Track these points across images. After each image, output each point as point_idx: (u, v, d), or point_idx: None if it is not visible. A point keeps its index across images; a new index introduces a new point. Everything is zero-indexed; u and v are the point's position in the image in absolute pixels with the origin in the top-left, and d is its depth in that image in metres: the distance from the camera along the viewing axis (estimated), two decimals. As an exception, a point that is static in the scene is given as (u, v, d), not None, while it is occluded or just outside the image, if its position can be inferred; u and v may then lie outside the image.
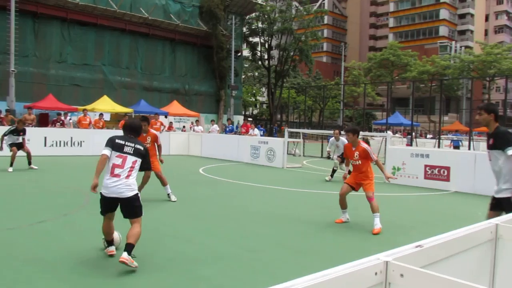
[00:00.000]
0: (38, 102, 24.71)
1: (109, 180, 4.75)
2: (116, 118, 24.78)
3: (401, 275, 1.55)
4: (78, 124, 20.34)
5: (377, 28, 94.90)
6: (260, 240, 6.09)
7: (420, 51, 61.63)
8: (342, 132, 12.80)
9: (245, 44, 48.44)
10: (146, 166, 5.14)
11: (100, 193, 4.82)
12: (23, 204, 7.97)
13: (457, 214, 8.97)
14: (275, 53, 54.62)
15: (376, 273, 1.56)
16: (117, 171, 4.77)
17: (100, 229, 5.01)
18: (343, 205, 7.34)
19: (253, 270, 4.84)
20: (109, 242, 5.02)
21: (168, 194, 8.75)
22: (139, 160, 4.93)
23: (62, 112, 23.18)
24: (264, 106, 68.77)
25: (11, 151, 12.72)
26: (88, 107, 24.16)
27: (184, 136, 22.20)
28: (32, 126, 18.70)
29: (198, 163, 17.29)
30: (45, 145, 17.46)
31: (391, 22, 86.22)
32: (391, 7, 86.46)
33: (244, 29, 45.71)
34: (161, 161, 8.81)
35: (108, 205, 4.84)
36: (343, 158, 13.11)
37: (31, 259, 4.82)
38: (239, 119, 38.26)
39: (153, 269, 4.64)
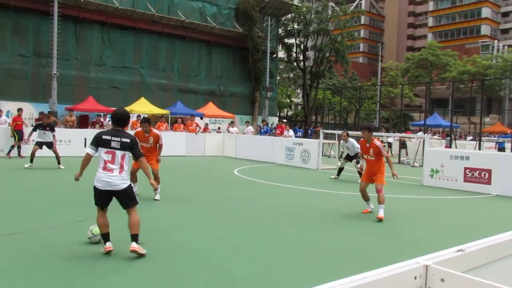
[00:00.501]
0: (79, 104, 25.47)
1: (102, 174, 4.91)
2: (153, 120, 25.20)
3: (442, 280, 1.49)
4: (116, 125, 20.78)
5: (416, 28, 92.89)
6: (294, 241, 6.05)
7: (460, 51, 59.89)
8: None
9: (280, 45, 48.39)
10: (137, 155, 5.17)
11: (94, 186, 4.97)
12: (64, 203, 8.23)
13: (499, 218, 8.64)
14: (310, 54, 54.31)
15: (415, 277, 1.52)
16: (109, 166, 4.92)
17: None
18: (365, 197, 8.09)
19: (287, 271, 4.81)
20: (105, 236, 5.02)
21: (155, 192, 8.58)
22: (127, 153, 5.06)
23: (102, 114, 23.79)
24: (299, 107, 68.51)
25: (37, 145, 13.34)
26: (126, 109, 24.69)
27: (219, 137, 22.38)
28: (73, 127, 19.37)
29: (233, 164, 17.39)
30: (85, 146, 17.90)
31: (430, 21, 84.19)
32: (431, 6, 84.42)
33: (280, 31, 45.67)
34: (158, 161, 8.86)
35: (103, 198, 4.99)
36: (350, 159, 13.18)
37: (71, 257, 4.95)
38: (273, 120, 38.27)
39: (187, 268, 4.68)
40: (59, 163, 13.51)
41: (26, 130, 16.21)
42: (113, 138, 5.00)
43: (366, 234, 6.66)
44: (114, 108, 23.75)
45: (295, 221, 7.43)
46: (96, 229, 5.33)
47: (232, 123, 25.41)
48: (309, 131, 38.29)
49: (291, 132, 21.83)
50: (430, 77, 55.28)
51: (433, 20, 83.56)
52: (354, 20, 58.11)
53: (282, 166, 17.31)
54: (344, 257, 5.41)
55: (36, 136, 13.73)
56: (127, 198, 5.03)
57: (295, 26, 48.73)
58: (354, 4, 78.05)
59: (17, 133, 15.79)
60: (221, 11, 35.56)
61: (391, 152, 24.65)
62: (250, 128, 24.53)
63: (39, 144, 13.36)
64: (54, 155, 13.55)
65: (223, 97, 36.00)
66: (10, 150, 15.79)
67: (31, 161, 13.25)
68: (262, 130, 23.75)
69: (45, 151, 13.61)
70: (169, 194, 9.48)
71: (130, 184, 5.10)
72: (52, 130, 13.61)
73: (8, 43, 26.19)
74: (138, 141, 5.30)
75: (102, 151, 4.98)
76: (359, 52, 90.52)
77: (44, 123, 13.53)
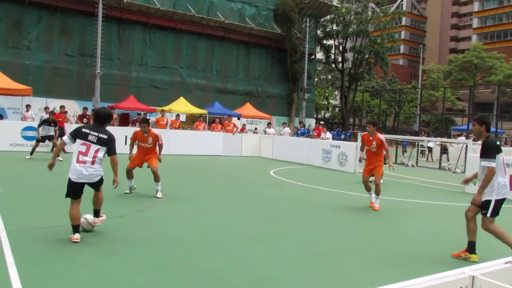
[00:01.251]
0: (120, 103, 26.11)
1: (75, 166, 5.24)
2: (191, 119, 25.59)
3: (490, 292, 1.45)
4: (156, 124, 21.19)
5: (459, 29, 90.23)
6: (329, 245, 5.99)
7: (507, 53, 57.66)
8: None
9: (318, 46, 48.07)
10: (111, 152, 5.51)
11: (69, 178, 5.29)
12: (104, 199, 8.43)
13: (547, 229, 8.26)
14: (349, 55, 53.69)
15: (461, 288, 1.47)
16: (82, 158, 5.27)
17: (174, 225, 5.16)
18: (368, 189, 8.88)
19: (323, 275, 4.77)
20: (75, 227, 5.25)
21: (157, 190, 8.71)
22: (102, 148, 5.37)
23: (142, 113, 24.31)
24: (337, 109, 67.84)
25: (37, 140, 14.57)
26: (165, 108, 25.17)
27: (256, 138, 22.45)
28: (114, 125, 19.90)
29: (269, 165, 17.40)
30: (125, 144, 18.33)
31: (475, 22, 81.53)
32: (476, 6, 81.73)
33: (318, 32, 45.35)
34: (159, 160, 8.92)
35: (77, 189, 5.32)
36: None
37: (110, 251, 5.09)
38: (311, 122, 38.04)
39: (223, 268, 4.72)
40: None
41: (70, 126, 16.79)
42: (91, 132, 5.38)
43: (404, 240, 6.52)
44: (154, 107, 24.24)
45: (331, 224, 7.36)
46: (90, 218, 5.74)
47: (269, 124, 25.45)
48: (349, 134, 37.75)
49: (328, 134, 21.63)
50: (474, 80, 53.58)
51: (478, 21, 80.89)
52: (394, 21, 57.05)
53: (318, 169, 17.19)
54: (382, 263, 5.32)
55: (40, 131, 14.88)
56: (96, 186, 5.56)
57: (334, 27, 48.30)
58: (395, 5, 76.67)
59: (59, 129, 16.31)
60: (260, 12, 35.67)
61: (432, 157, 24.02)
62: (287, 129, 24.50)
63: (43, 139, 14.69)
64: (71, 150, 14.23)
65: (261, 98, 36.10)
66: (53, 147, 16.37)
67: (31, 153, 14.41)
68: (299, 132, 23.65)
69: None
70: (207, 193, 9.59)
71: (102, 176, 5.50)
72: (55, 125, 15.04)
73: (55, 43, 27.22)
74: (115, 140, 5.58)
75: (78, 142, 5.34)
76: (400, 54, 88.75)
77: (50, 120, 14.88)
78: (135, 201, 8.24)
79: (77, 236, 5.22)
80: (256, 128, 30.90)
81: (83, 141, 5.33)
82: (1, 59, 24.08)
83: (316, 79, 51.57)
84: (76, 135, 5.40)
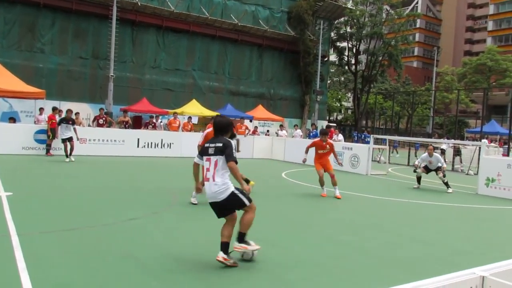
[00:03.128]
0: (133, 105, 26.31)
1: (205, 186, 4.81)
2: (203, 122, 25.69)
3: (500, 292, 1.45)
4: (168, 127, 21.34)
5: (474, 32, 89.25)
6: (342, 247, 5.98)
7: (522, 56, 56.91)
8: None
9: (332, 49, 47.95)
10: (227, 158, 4.72)
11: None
12: (117, 201, 8.52)
13: None
14: (362, 57, 53.47)
15: (471, 288, 1.48)
16: (207, 174, 4.77)
17: (188, 228, 5.17)
18: (322, 183, 10.67)
19: (336, 277, 4.77)
20: (222, 245, 4.75)
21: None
22: (220, 157, 4.73)
23: (154, 115, 24.47)
24: (349, 111, 67.52)
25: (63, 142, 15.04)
26: (178, 110, 25.30)
27: (268, 140, 22.44)
28: (127, 128, 20.09)
29: (281, 167, 17.40)
30: (138, 146, 18.52)
31: (490, 25, 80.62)
32: (491, 9, 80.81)
33: (332, 34, 45.23)
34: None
35: (214, 209, 4.83)
36: (428, 170, 12.73)
37: (123, 255, 5.12)
38: (323, 124, 37.94)
39: (236, 270, 4.74)
40: (70, 155, 14.90)
41: (84, 130, 17.00)
42: (210, 145, 4.87)
43: (416, 242, 6.48)
44: (167, 110, 24.38)
45: (344, 226, 7.35)
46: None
47: (281, 126, 25.43)
48: (364, 136, 37.51)
49: (341, 136, 21.54)
50: (488, 82, 52.93)
51: (493, 24, 79.97)
52: (409, 23, 56.65)
53: (330, 171, 17.13)
54: (395, 265, 5.29)
55: (60, 131, 15.30)
56: (224, 209, 4.81)
57: (348, 29, 48.15)
58: (410, 7, 76.18)
59: (52, 131, 16.25)
60: (273, 14, 35.70)
61: (445, 159, 23.65)
62: (299, 131, 24.45)
63: (64, 141, 15.00)
64: (85, 152, 15.51)
65: (273, 100, 36.10)
66: (48, 150, 16.37)
67: (67, 156, 14.79)
68: (312, 134, 23.59)
69: (91, 150, 14.53)
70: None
71: (233, 192, 4.74)
72: (73, 123, 15.36)
73: (69, 46, 27.52)
74: (231, 145, 4.86)
75: (204, 159, 4.88)
76: (414, 56, 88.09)
77: (68, 117, 15.28)
78: (150, 204, 8.29)
79: (219, 254, 4.69)
80: (268, 131, 30.89)
81: (206, 157, 4.83)
82: (15, 62, 24.38)
83: (329, 81, 51.44)
84: (202, 152, 4.94)
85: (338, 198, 10.13)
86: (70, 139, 15.02)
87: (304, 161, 11.05)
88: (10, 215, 6.54)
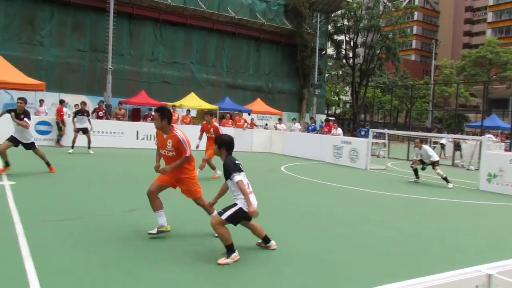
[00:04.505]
0: (131, 98, 26.26)
1: (253, 197, 4.88)
2: (202, 115, 25.64)
3: (507, 291, 1.40)
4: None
5: (473, 24, 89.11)
6: (339, 241, 5.94)
7: (523, 48, 56.85)
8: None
9: (329, 42, 47.78)
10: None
11: (242, 208, 4.77)
12: (117, 192, 8.50)
13: None
14: (360, 51, 53.33)
15: (477, 286, 1.42)
16: (250, 188, 4.92)
17: (187, 219, 5.13)
18: (213, 167, 10.92)
19: (333, 271, 4.73)
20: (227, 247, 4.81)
21: None
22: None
23: (153, 108, 24.40)
24: (348, 105, 67.47)
25: (76, 132, 15.19)
26: (176, 103, 25.22)
27: (267, 134, 22.40)
28: (122, 120, 20.10)
29: (280, 161, 17.36)
30: (137, 138, 18.52)
31: (490, 16, 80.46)
32: (491, 0, 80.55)
33: (329, 27, 45.07)
34: None
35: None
36: (423, 162, 12.93)
37: (123, 244, 5.10)
38: (321, 118, 37.89)
39: (236, 263, 4.70)
40: (89, 148, 15.07)
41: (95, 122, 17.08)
42: (237, 161, 4.93)
43: (415, 237, 6.44)
44: (165, 103, 24.28)
45: (342, 220, 7.30)
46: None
47: (280, 120, 25.38)
48: (366, 131, 37.44)
49: (339, 130, 21.49)
50: (488, 75, 52.86)
51: (493, 15, 79.82)
52: (406, 16, 56.48)
53: (329, 165, 17.10)
54: (393, 260, 5.25)
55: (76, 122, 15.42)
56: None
57: (345, 22, 47.97)
58: (407, 0, 75.87)
59: (62, 122, 16.82)
60: (270, 7, 35.55)
61: (444, 154, 23.64)
62: (298, 125, 24.41)
63: (77, 130, 15.16)
64: (85, 144, 15.28)
65: (271, 93, 36.01)
66: (59, 139, 16.78)
67: (72, 147, 14.88)
68: (310, 128, 23.56)
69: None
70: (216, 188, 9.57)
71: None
72: (88, 115, 15.52)
73: (68, 39, 27.39)
74: None
75: (243, 174, 4.85)
76: (412, 49, 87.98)
77: (82, 109, 15.45)
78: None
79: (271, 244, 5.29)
80: (266, 124, 30.83)
81: (243, 172, 4.90)
82: (15, 54, 24.28)
83: (326, 75, 51.33)
84: (239, 168, 4.85)
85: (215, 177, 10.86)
86: (85, 131, 15.24)
87: (197, 146, 10.77)
88: (13, 203, 6.71)
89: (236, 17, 32.74)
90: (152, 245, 5.09)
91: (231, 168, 4.78)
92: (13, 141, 9.79)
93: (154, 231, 5.46)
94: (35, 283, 3.79)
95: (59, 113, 17.17)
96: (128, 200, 7.62)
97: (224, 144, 4.96)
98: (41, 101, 19.27)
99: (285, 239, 5.82)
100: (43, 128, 16.81)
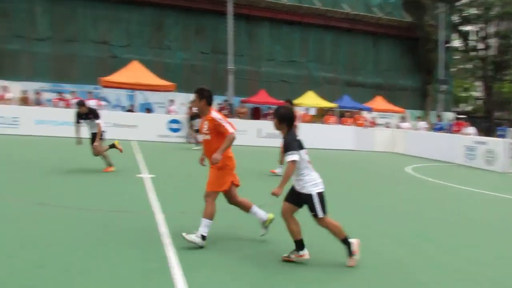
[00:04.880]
0: (252, 97, 27.05)
1: (317, 175, 4.56)
2: (321, 113, 25.61)
3: None
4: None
5: None
6: (484, 252, 5.37)
7: None
8: None
9: (456, 33, 44.37)
10: None
11: (318, 192, 4.47)
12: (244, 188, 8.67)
13: None
14: (492, 41, 48.66)
15: None
16: (311, 166, 4.56)
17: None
18: None
19: (478, 285, 4.26)
20: (299, 242, 4.57)
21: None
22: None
23: (272, 106, 24.85)
24: (479, 102, 62.10)
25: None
26: (294, 102, 25.37)
27: (389, 133, 21.54)
28: (244, 119, 20.85)
29: (404, 161, 16.51)
30: (259, 136, 19.11)
31: None
32: None
33: (454, 17, 41.82)
34: None
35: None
36: None
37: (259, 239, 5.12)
38: (448, 116, 35.33)
39: (363, 266, 4.48)
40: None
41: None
42: (297, 138, 4.57)
43: None
44: (284, 101, 24.35)
45: (481, 229, 6.66)
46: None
47: (403, 118, 24.29)
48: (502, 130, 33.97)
49: (472, 129, 19.75)
50: None
51: None
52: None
53: (460, 167, 15.81)
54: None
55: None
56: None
57: (473, 11, 44.13)
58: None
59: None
60: (387, 0, 34.11)
61: None
62: (423, 123, 23.13)
63: (196, 131, 15.13)
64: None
65: (391, 90, 34.46)
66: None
67: (197, 144, 15.25)
68: (437, 126, 22.10)
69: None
70: (338, 187, 9.35)
71: (310, 195, 4.53)
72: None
73: (192, 42, 29.24)
74: None
75: (303, 152, 4.50)
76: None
77: (195, 114, 15.56)
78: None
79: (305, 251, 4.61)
80: (388, 123, 29.63)
81: (304, 149, 4.57)
82: (147, 58, 26.54)
83: (453, 69, 47.74)
84: (299, 145, 4.50)
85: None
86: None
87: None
88: (155, 195, 7.36)
89: (351, 12, 32.05)
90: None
91: (290, 146, 4.40)
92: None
93: (263, 231, 5.33)
94: (178, 271, 4.04)
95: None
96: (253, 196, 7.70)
97: (285, 119, 4.56)
98: (172, 101, 20.84)
99: (419, 244, 5.43)
100: (175, 126, 18.13)
